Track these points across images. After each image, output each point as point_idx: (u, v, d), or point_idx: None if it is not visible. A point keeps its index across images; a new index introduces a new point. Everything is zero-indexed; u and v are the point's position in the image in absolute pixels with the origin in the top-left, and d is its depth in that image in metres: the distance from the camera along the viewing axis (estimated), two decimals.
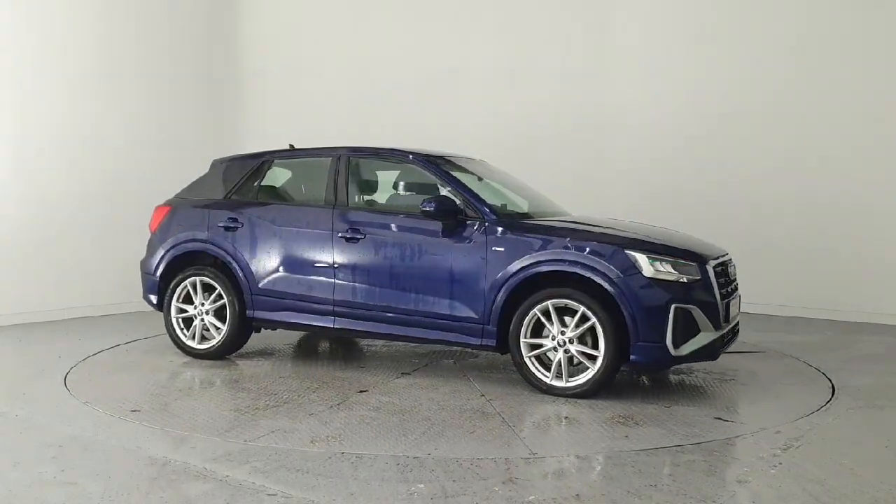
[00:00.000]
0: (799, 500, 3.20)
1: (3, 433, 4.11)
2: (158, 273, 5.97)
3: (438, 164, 5.44)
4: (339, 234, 5.37)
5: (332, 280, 5.38)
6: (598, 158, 8.98)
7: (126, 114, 8.30)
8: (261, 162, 5.97)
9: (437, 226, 5.10)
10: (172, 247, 5.92)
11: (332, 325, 5.44)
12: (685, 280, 4.66)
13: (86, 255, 7.82)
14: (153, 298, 6.05)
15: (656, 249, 4.73)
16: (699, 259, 4.79)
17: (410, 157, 5.51)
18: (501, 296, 4.88)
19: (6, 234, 7.34)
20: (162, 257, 5.95)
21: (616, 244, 4.73)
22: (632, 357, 4.64)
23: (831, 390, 5.05)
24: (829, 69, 7.90)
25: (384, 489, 3.30)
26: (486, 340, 4.96)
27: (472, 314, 4.98)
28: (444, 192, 5.30)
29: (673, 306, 4.57)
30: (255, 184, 5.92)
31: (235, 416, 4.36)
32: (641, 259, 4.65)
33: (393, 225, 5.30)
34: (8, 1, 7.35)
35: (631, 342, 4.61)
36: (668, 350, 4.59)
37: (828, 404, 4.71)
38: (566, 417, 4.44)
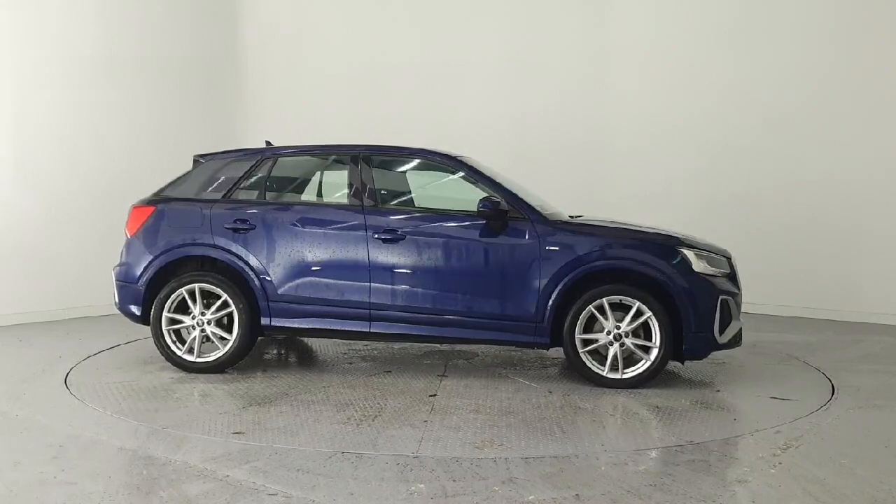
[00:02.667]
0: (799, 500, 3.20)
1: (3, 433, 4.11)
2: (144, 281, 5.40)
3: (470, 164, 5.44)
4: (376, 236, 5.19)
5: (368, 283, 5.19)
6: (597, 158, 8.98)
7: (126, 114, 8.30)
8: (260, 159, 5.60)
9: (484, 226, 5.12)
10: (164, 251, 5.39)
11: (367, 330, 5.25)
12: (720, 274, 5.10)
13: (86, 256, 7.81)
14: (135, 310, 5.45)
15: (698, 246, 5.12)
16: (727, 254, 5.28)
17: (439, 157, 5.48)
18: (557, 294, 5.00)
19: (6, 234, 7.34)
20: (150, 263, 5.40)
21: (669, 243, 5.08)
22: (685, 347, 4.97)
23: (831, 390, 5.06)
24: (829, 70, 7.90)
25: (384, 489, 3.30)
26: (540, 338, 5.07)
27: (526, 312, 5.05)
28: (479, 191, 5.32)
29: (720, 298, 4.99)
30: (262, 182, 5.58)
31: (355, 429, 4.12)
32: (691, 255, 5.02)
33: (435, 225, 5.22)
34: (8, 1, 7.35)
35: (685, 333, 4.94)
36: (715, 339, 4.99)
37: (828, 404, 4.71)
38: (657, 406, 4.65)
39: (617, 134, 8.93)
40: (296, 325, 5.33)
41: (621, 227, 5.32)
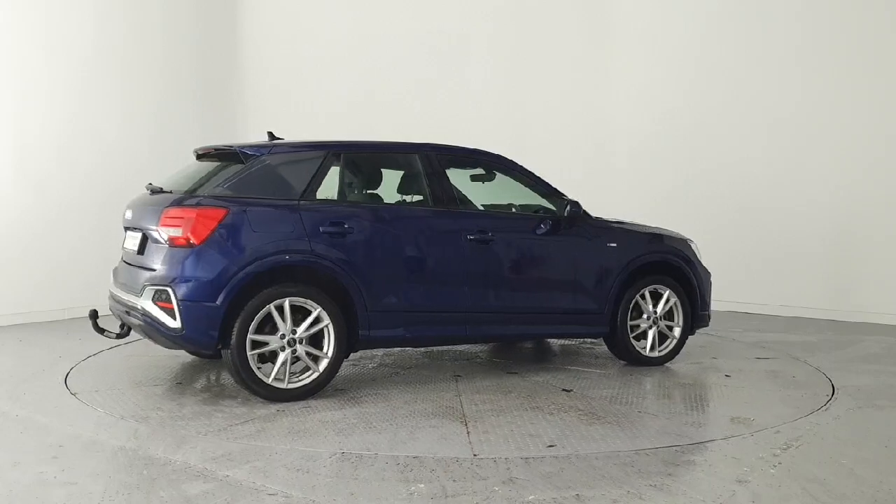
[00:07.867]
0: (799, 500, 3.20)
1: (3, 433, 4.10)
2: (225, 299, 4.40)
3: (524, 168, 5.55)
4: (470, 237, 5.08)
5: (465, 286, 5.09)
6: (596, 158, 8.98)
7: (126, 114, 8.31)
8: (327, 154, 4.95)
9: (556, 226, 5.41)
10: (253, 261, 4.47)
11: (464, 334, 5.19)
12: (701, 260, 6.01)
13: (86, 255, 7.80)
14: (214, 335, 4.42)
15: (691, 239, 6.02)
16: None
17: (501, 160, 5.54)
18: (616, 287, 5.54)
19: (7, 234, 7.34)
20: (233, 277, 4.42)
21: (684, 238, 5.97)
22: (694, 325, 5.83)
23: (831, 390, 5.06)
24: (829, 72, 7.90)
25: (384, 489, 3.30)
26: (602, 328, 5.59)
27: (595, 306, 5.52)
28: (530, 192, 5.57)
29: (710, 281, 6.00)
30: (339, 181, 5.07)
31: (615, 430, 4.12)
32: (695, 247, 5.96)
33: (519, 226, 5.46)
34: (9, 1, 7.35)
35: (697, 313, 5.82)
36: (709, 315, 5.99)
37: (828, 404, 4.71)
38: (728, 375, 5.51)
39: (616, 133, 8.93)
40: (398, 335, 4.97)
41: (647, 226, 5.99)
